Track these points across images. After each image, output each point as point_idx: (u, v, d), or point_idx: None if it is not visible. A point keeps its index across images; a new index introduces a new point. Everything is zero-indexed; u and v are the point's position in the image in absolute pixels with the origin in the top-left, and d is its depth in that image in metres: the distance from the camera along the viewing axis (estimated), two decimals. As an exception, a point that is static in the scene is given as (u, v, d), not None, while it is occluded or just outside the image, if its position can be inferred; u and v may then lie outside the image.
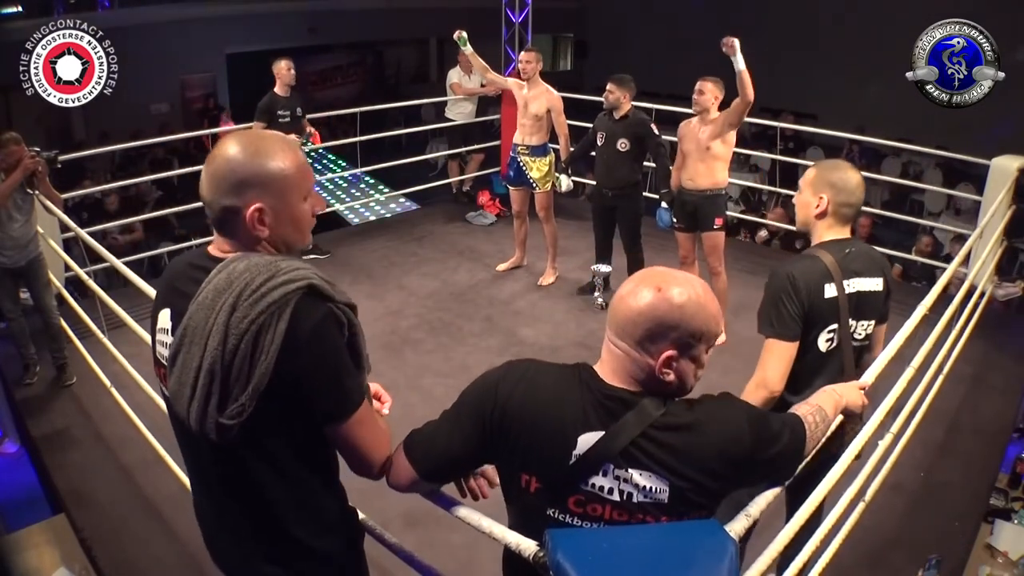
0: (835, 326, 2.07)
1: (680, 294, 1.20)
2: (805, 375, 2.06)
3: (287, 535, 1.32)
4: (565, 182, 5.05)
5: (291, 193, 1.26)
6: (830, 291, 2.03)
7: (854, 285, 2.07)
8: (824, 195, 2.10)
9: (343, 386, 1.24)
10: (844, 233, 2.13)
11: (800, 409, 1.52)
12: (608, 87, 4.54)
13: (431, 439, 1.34)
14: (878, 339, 2.22)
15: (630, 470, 1.20)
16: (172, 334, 1.25)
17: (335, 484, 1.42)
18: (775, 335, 2.03)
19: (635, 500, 1.21)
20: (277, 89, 5.33)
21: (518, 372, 1.29)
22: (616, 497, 1.21)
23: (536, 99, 4.97)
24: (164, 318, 1.31)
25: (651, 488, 1.20)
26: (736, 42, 3.82)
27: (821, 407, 1.55)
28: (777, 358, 2.01)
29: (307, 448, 1.30)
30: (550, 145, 5.14)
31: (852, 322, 2.10)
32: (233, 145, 1.24)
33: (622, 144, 4.55)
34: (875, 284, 2.11)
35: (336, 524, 1.40)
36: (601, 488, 1.21)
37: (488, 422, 1.27)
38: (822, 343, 2.08)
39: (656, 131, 4.55)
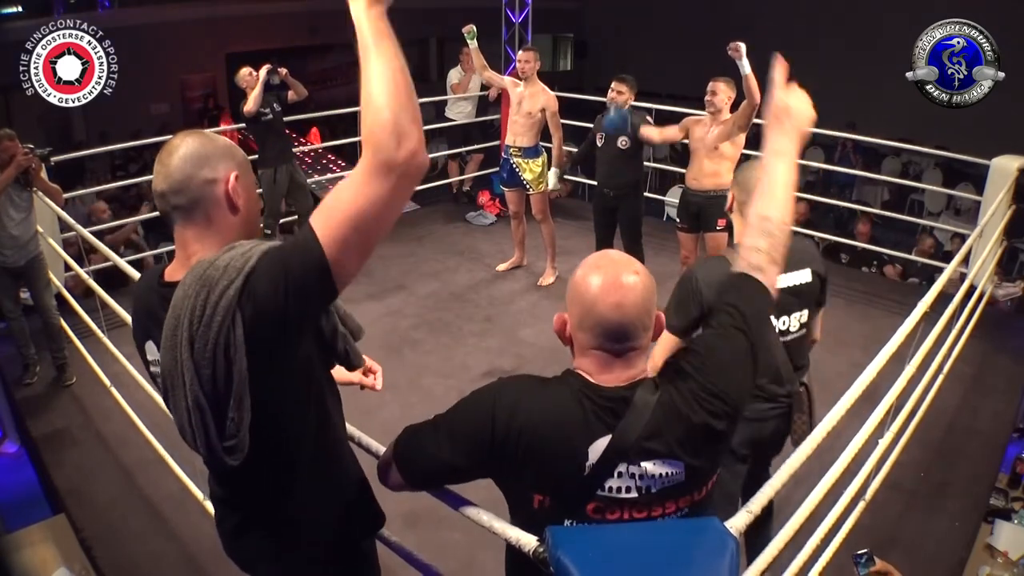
0: None
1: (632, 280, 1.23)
2: None
3: (300, 521, 1.34)
4: (552, 180, 5.02)
5: (248, 169, 1.35)
6: None
7: None
8: (732, 192, 2.08)
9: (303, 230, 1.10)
10: None
11: (744, 258, 1.38)
12: (618, 88, 4.46)
13: (421, 452, 1.31)
14: (816, 323, 2.22)
15: (643, 463, 1.19)
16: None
17: (351, 473, 1.43)
18: (669, 329, 2.04)
19: (653, 491, 1.21)
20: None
21: (511, 394, 1.25)
22: (634, 495, 1.21)
23: (531, 97, 4.96)
24: (152, 350, 1.33)
25: (667, 473, 1.20)
26: (742, 46, 3.81)
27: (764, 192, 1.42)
28: (665, 350, 2.01)
29: (321, 435, 1.32)
30: (542, 145, 5.13)
31: (777, 320, 2.07)
32: (186, 136, 1.31)
33: (622, 142, 4.51)
34: (800, 277, 2.09)
35: (351, 510, 1.41)
36: (618, 489, 1.21)
37: (487, 447, 1.23)
38: None
39: (646, 121, 4.51)
